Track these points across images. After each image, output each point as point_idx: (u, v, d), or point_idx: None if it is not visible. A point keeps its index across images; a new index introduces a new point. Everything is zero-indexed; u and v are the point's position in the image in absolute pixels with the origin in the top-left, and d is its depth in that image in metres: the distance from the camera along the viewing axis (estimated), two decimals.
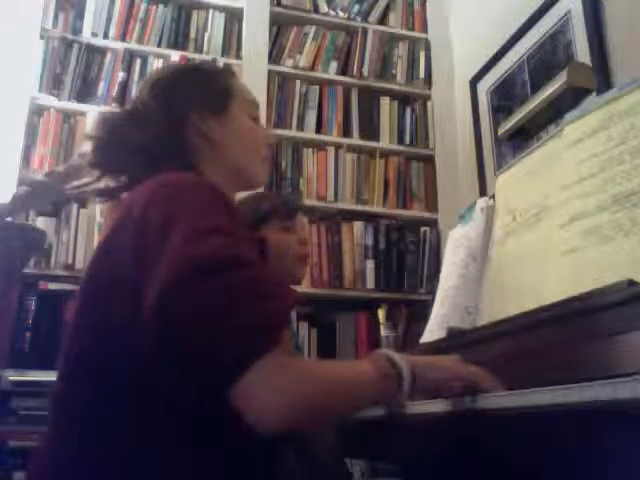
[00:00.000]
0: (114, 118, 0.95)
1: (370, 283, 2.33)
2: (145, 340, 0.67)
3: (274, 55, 2.52)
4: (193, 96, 0.94)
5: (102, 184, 0.94)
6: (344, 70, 2.59)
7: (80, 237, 2.07)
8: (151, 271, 0.67)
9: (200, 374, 0.66)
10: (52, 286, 1.98)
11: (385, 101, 2.60)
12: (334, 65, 2.58)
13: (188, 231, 0.69)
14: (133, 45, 2.36)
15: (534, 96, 1.94)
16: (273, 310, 0.67)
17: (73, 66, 2.26)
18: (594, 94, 1.70)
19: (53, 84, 2.22)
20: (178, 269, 0.65)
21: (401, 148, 2.55)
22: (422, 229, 2.45)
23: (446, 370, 0.79)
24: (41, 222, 2.05)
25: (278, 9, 2.57)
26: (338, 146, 2.48)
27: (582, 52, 1.83)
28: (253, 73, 2.42)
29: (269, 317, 0.66)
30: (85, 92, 2.25)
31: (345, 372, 0.74)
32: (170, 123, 0.91)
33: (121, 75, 2.29)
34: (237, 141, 0.95)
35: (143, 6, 2.41)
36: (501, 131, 2.12)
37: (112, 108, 2.08)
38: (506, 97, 2.23)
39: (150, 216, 0.73)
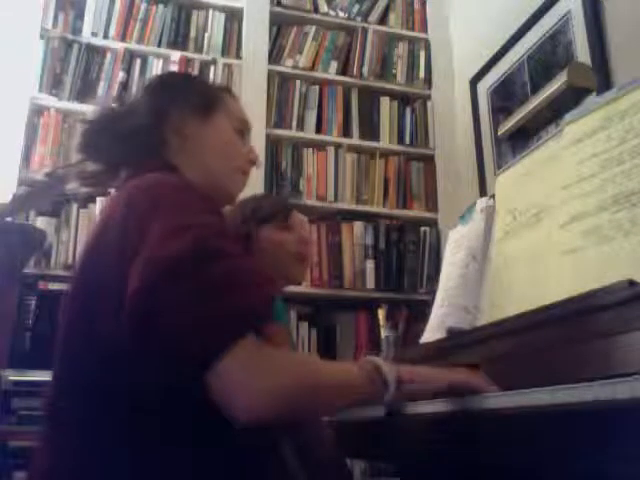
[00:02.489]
0: (106, 110, 0.99)
1: (370, 283, 2.32)
2: (126, 333, 0.68)
3: (274, 55, 2.52)
4: (178, 95, 0.97)
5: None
6: (344, 70, 2.59)
7: (80, 237, 2.07)
8: (131, 268, 0.69)
9: (178, 365, 0.67)
10: (52, 286, 1.98)
11: (385, 101, 2.60)
12: (334, 65, 2.57)
13: (164, 230, 0.70)
14: (133, 45, 2.35)
15: (534, 96, 1.94)
16: (245, 298, 0.68)
17: (73, 66, 2.25)
18: (594, 94, 1.70)
19: (53, 84, 2.21)
20: (155, 265, 0.67)
21: (401, 148, 2.55)
22: (422, 229, 2.45)
23: (432, 381, 0.80)
24: (41, 222, 2.04)
25: (278, 9, 2.57)
26: (338, 146, 2.48)
27: (582, 52, 1.83)
28: (253, 73, 2.42)
29: (241, 306, 0.67)
30: (85, 92, 2.24)
31: (327, 367, 0.75)
32: (151, 115, 0.93)
33: (121, 75, 2.29)
34: (212, 146, 0.95)
35: (143, 6, 2.40)
36: (501, 131, 2.11)
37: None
38: (506, 97, 2.23)
39: (130, 219, 0.74)
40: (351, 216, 2.42)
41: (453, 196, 2.46)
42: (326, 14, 2.62)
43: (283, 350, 0.79)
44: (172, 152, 0.92)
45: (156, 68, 2.35)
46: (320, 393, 0.72)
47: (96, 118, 0.96)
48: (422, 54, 2.69)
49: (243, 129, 1.01)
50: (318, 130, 2.48)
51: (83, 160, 0.95)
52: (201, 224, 0.72)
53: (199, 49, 2.43)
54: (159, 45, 2.39)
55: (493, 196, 1.22)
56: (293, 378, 0.68)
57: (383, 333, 2.05)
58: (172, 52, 2.37)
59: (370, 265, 2.35)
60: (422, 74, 2.66)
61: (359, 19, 2.66)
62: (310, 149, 2.45)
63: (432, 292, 1.35)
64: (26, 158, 2.09)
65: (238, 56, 2.47)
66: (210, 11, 2.49)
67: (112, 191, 0.95)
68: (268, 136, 2.37)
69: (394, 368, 0.77)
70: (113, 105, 1.02)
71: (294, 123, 2.46)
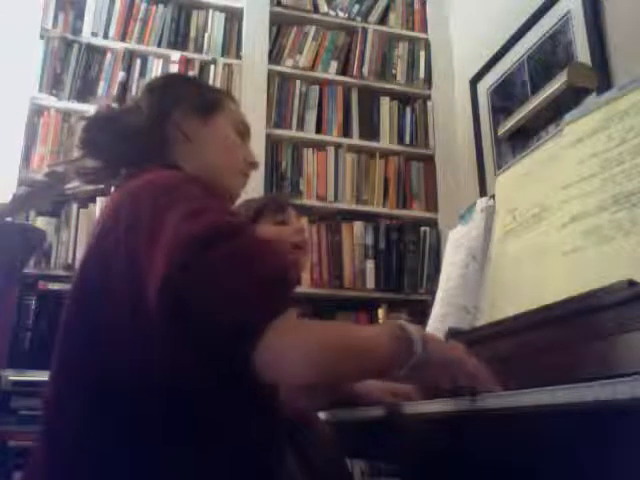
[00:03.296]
0: (107, 109, 1.00)
1: (370, 283, 2.32)
2: (152, 328, 0.67)
3: (274, 55, 2.52)
4: (181, 96, 0.97)
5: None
6: (344, 70, 2.59)
7: (80, 237, 2.07)
8: (149, 259, 0.68)
9: (218, 346, 0.66)
10: (52, 286, 1.98)
11: (385, 101, 2.60)
12: (334, 65, 2.57)
13: (180, 215, 0.70)
14: (133, 45, 2.35)
15: (534, 96, 1.94)
16: (279, 268, 0.69)
17: (73, 66, 2.25)
18: (594, 94, 1.70)
19: (53, 84, 2.21)
20: (178, 248, 0.66)
21: (401, 148, 2.55)
22: (422, 229, 2.45)
23: (454, 351, 0.80)
24: (41, 222, 2.04)
25: (278, 9, 2.57)
26: (338, 146, 2.48)
27: (582, 52, 1.83)
28: (253, 73, 2.42)
29: (276, 277, 0.68)
30: (85, 92, 2.25)
31: (358, 328, 0.80)
32: (153, 116, 0.94)
33: (121, 75, 2.29)
34: (214, 146, 0.96)
35: (143, 6, 2.40)
36: (501, 131, 2.11)
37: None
38: (506, 97, 2.23)
39: (138, 214, 0.74)
40: (351, 216, 2.42)
41: (453, 196, 2.46)
42: (326, 14, 2.62)
43: (313, 320, 0.81)
44: (174, 151, 0.92)
45: (156, 68, 2.35)
46: (354, 354, 0.73)
47: (97, 116, 0.97)
48: (422, 54, 2.69)
49: (244, 133, 1.02)
50: (318, 130, 2.48)
51: (82, 156, 0.94)
52: (216, 208, 0.73)
53: (199, 49, 2.43)
54: (159, 45, 2.39)
55: (493, 196, 1.22)
56: (330, 342, 0.70)
57: None
58: (172, 52, 2.37)
59: (370, 265, 2.35)
60: (422, 74, 2.66)
61: (359, 19, 2.66)
62: (310, 149, 2.45)
63: (432, 292, 1.35)
64: (26, 158, 2.09)
65: (238, 56, 2.47)
66: (210, 11, 2.49)
67: (112, 190, 0.95)
68: (268, 136, 2.37)
69: (418, 328, 0.77)
70: (114, 105, 1.02)
71: (294, 123, 2.46)
